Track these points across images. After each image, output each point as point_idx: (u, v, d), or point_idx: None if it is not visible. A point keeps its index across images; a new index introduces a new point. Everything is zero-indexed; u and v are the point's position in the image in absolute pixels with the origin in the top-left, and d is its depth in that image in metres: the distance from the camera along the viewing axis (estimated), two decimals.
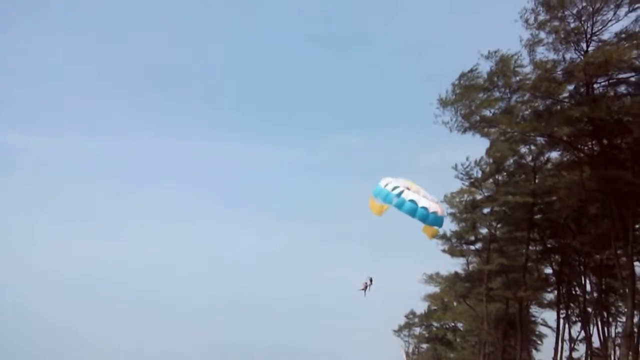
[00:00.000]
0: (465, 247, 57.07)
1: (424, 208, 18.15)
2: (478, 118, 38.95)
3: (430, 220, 18.50)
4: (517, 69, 36.07)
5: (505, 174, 48.93)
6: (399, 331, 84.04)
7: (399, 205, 18.18)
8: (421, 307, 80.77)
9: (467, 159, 49.65)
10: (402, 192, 18.31)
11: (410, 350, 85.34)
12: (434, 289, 68.79)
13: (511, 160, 47.42)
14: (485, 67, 36.60)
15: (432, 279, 66.82)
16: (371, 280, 21.28)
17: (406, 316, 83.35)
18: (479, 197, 51.52)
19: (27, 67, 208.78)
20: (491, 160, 48.25)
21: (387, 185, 18.78)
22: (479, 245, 56.12)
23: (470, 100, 37.84)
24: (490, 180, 49.82)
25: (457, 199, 53.45)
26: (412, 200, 18.07)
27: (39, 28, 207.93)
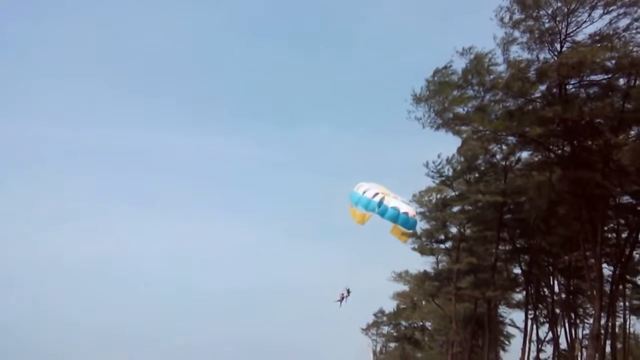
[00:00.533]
0: (435, 245, 56.85)
1: (405, 214, 18.50)
2: (451, 115, 38.66)
3: (410, 224, 18.98)
4: (491, 67, 35.88)
5: (476, 172, 48.76)
6: (367, 330, 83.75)
7: (382, 213, 18.42)
8: (390, 306, 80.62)
9: (438, 156, 49.45)
10: (382, 199, 18.48)
11: (378, 349, 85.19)
12: (403, 287, 68.56)
13: (482, 159, 47.30)
14: (459, 65, 36.40)
15: (401, 277, 66.54)
16: (348, 292, 20.89)
17: (375, 314, 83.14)
18: (449, 195, 51.31)
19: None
20: (462, 159, 48.04)
21: (365, 192, 18.87)
22: (448, 244, 55.99)
23: (444, 97, 37.55)
24: (461, 178, 49.58)
25: (427, 198, 53.20)
26: (394, 207, 18.38)
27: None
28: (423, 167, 49.91)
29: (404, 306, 76.40)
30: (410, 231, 19.69)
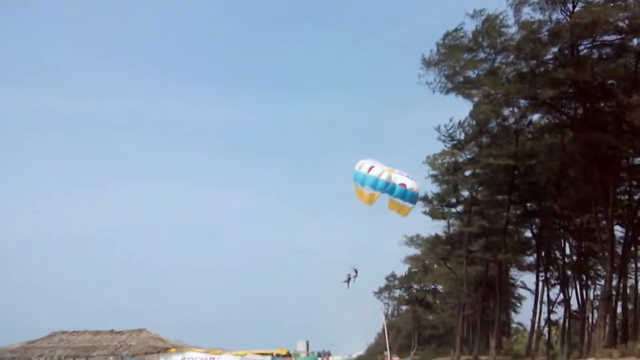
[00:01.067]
0: (446, 209, 56.97)
1: (412, 189, 18.33)
2: (462, 79, 38.35)
3: (415, 200, 19.04)
4: (502, 29, 35.43)
5: (488, 136, 48.47)
6: (379, 293, 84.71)
7: (391, 191, 18.07)
8: (401, 270, 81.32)
9: (450, 120, 49.10)
10: (389, 176, 18.07)
11: (390, 312, 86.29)
12: (414, 251, 68.99)
13: (494, 123, 46.96)
14: (470, 27, 35.93)
15: (412, 241, 66.94)
16: (356, 272, 20.68)
17: (386, 278, 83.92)
18: (461, 159, 51.20)
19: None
20: (474, 123, 47.71)
21: (370, 171, 18.25)
22: (460, 208, 56.06)
23: (455, 60, 37.16)
24: (473, 142, 49.32)
25: (439, 161, 53.08)
26: (401, 184, 18.07)
27: None
28: (435, 131, 49.61)
29: (416, 270, 77.03)
30: (412, 206, 19.12)
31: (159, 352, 34.04)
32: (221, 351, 34.29)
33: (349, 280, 20.36)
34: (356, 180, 18.42)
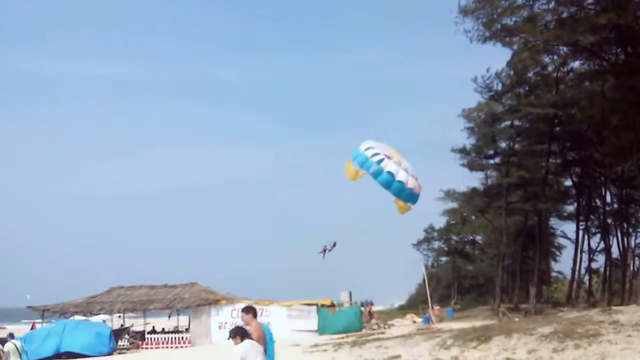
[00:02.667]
0: (484, 161, 57.04)
1: (400, 182, 16.49)
2: (499, 27, 37.87)
3: (405, 195, 16.89)
4: None
5: (526, 86, 47.90)
6: (418, 245, 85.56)
7: (375, 175, 16.64)
8: (439, 223, 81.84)
9: (487, 71, 48.54)
10: (382, 160, 16.60)
11: (430, 263, 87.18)
12: (451, 205, 69.24)
13: (532, 72, 46.33)
14: None
15: (449, 195, 67.17)
16: (334, 245, 19.77)
17: (425, 230, 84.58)
18: (498, 110, 50.87)
19: None
20: (512, 72, 47.16)
21: (367, 149, 17.05)
22: (498, 159, 56.03)
23: (492, 7, 36.67)
24: (511, 92, 48.85)
25: (476, 114, 52.91)
26: (389, 172, 16.44)
27: None
28: (472, 82, 49.22)
29: (454, 222, 77.43)
30: (410, 205, 17.29)
31: (210, 304, 35.52)
32: (269, 302, 35.58)
33: (324, 251, 20.10)
34: (352, 154, 17.45)
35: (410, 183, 16.66)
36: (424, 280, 56.64)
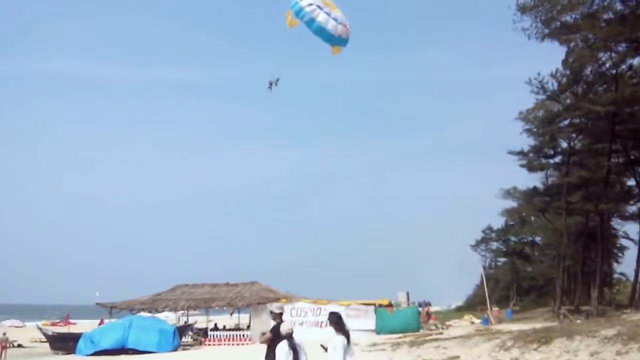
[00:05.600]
0: (543, 160, 56.07)
1: (329, 30, 18.70)
2: (559, 24, 37.37)
3: (335, 41, 19.12)
4: None
5: (584, 84, 46.87)
6: (476, 246, 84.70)
7: (308, 24, 18.64)
8: (498, 222, 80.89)
9: (538, 73, 47.73)
10: (314, 10, 18.61)
11: (487, 264, 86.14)
12: (510, 203, 68.29)
13: (590, 69, 45.30)
14: None
15: (509, 193, 66.25)
16: (277, 80, 20.34)
17: (483, 231, 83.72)
18: (555, 109, 49.94)
19: None
20: (568, 71, 46.22)
21: (302, 0, 18.95)
22: (558, 159, 54.97)
23: (551, 4, 36.25)
24: (568, 91, 47.89)
25: (533, 114, 52.12)
26: (320, 22, 18.57)
27: None
28: (526, 85, 48.42)
29: (513, 222, 76.31)
30: (341, 47, 19.55)
31: (270, 302, 36.41)
32: (327, 301, 36.19)
33: (270, 85, 20.32)
34: (290, 4, 18.99)
35: (339, 30, 18.91)
36: (482, 281, 56.24)
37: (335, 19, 18.82)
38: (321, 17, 18.57)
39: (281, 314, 9.86)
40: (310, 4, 18.63)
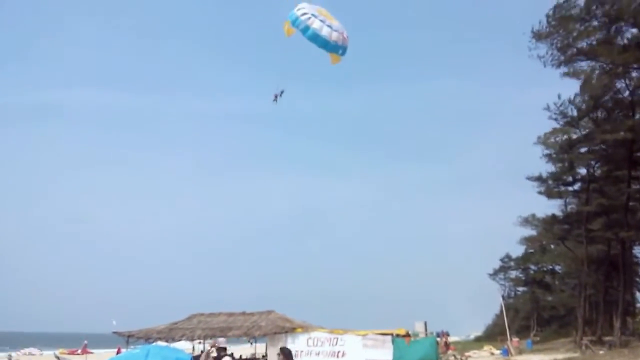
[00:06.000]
0: (562, 188, 55.46)
1: (323, 36, 19.39)
2: (575, 50, 37.35)
3: (330, 47, 19.73)
4: None
5: (603, 110, 46.51)
6: (494, 275, 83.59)
7: (304, 31, 19.32)
8: (517, 251, 79.87)
9: (558, 97, 47.47)
10: (309, 18, 19.33)
11: (506, 293, 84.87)
12: (529, 231, 67.47)
13: (608, 96, 44.99)
14: None
15: (527, 221, 65.47)
16: (282, 92, 21.03)
17: (501, 260, 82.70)
18: (574, 136, 49.54)
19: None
20: (587, 97, 45.97)
21: (298, 10, 19.72)
22: (577, 186, 54.34)
23: (567, 32, 36.29)
24: (587, 117, 47.52)
25: (552, 139, 51.69)
26: (314, 29, 19.27)
27: None
28: (544, 111, 48.17)
29: (532, 250, 75.32)
30: (339, 56, 20.22)
31: (286, 332, 36.00)
32: (344, 331, 35.72)
33: (276, 98, 20.88)
34: (289, 15, 19.86)
35: (334, 36, 19.58)
36: (501, 311, 55.36)
37: (330, 27, 19.59)
38: (316, 24, 19.36)
39: (225, 348, 10.00)
40: (305, 13, 19.52)
